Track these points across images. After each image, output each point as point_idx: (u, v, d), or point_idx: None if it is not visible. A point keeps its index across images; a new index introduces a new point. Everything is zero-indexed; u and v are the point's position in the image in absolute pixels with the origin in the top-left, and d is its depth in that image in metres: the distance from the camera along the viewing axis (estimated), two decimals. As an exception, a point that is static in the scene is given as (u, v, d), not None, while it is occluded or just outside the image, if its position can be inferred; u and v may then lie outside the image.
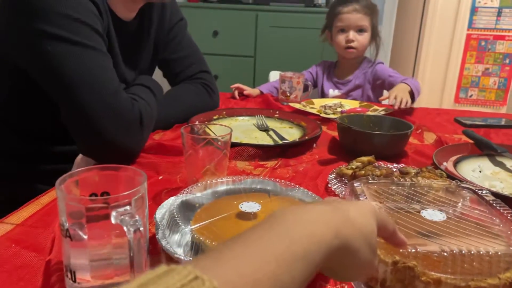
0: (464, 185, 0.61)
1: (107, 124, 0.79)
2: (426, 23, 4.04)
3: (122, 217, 0.38)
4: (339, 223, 0.34)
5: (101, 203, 0.40)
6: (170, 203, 0.59)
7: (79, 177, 0.48)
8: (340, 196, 0.73)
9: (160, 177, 0.79)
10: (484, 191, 0.59)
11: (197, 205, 0.58)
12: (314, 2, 2.44)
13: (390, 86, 1.48)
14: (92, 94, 0.77)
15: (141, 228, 0.39)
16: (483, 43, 4.19)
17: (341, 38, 1.56)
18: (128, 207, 0.40)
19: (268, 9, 2.43)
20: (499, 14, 4.12)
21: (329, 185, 0.78)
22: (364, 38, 1.56)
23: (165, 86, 1.15)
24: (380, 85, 1.58)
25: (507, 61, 4.21)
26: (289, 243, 0.30)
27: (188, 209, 0.58)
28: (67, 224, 0.42)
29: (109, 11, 0.90)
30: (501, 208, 0.54)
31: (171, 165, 0.85)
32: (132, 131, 0.84)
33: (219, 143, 0.71)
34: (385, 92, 1.46)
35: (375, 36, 1.59)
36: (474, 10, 4.11)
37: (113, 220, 0.39)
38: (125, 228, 0.38)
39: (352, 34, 1.54)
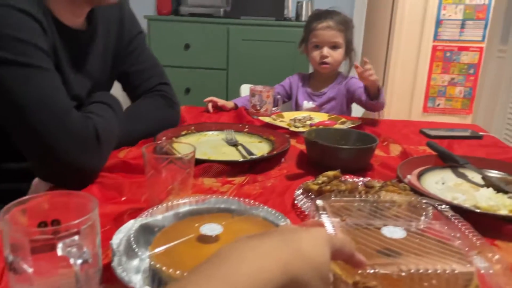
0: (425, 200, 0.62)
1: (61, 144, 0.76)
2: (394, 35, 4.16)
3: (68, 248, 0.37)
4: (288, 258, 0.34)
5: (47, 234, 0.38)
6: (129, 227, 0.57)
7: (26, 205, 0.45)
8: (306, 212, 0.73)
9: (123, 198, 0.77)
10: (443, 206, 0.60)
11: (156, 228, 0.57)
12: (284, 16, 2.47)
13: (358, 97, 1.50)
14: (43, 116, 0.75)
15: (90, 259, 0.37)
16: (448, 54, 4.34)
17: (315, 54, 1.59)
18: (76, 237, 0.38)
19: (239, 22, 2.45)
20: (462, 26, 4.29)
21: (295, 201, 0.77)
22: (338, 54, 1.58)
23: (125, 100, 1.12)
24: (352, 98, 1.60)
25: (472, 71, 4.37)
26: (233, 285, 0.30)
27: (147, 233, 0.57)
28: (11, 257, 0.40)
29: (54, 23, 0.86)
30: (460, 224, 0.55)
31: (135, 185, 0.83)
32: (88, 149, 0.81)
33: (183, 161, 0.69)
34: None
35: (349, 51, 1.61)
36: (439, 23, 4.27)
37: (59, 252, 0.37)
38: (71, 260, 0.36)
39: (326, 51, 1.56)
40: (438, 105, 4.59)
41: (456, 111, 4.54)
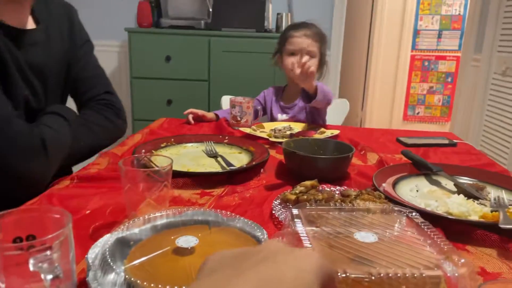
0: (396, 208, 0.64)
1: (4, 152, 0.77)
2: (373, 46, 4.25)
3: (40, 264, 0.37)
4: None
5: (18, 249, 0.38)
6: (105, 241, 0.57)
7: (1, 220, 0.45)
8: (283, 222, 0.74)
9: (88, 212, 0.76)
10: (414, 214, 0.62)
11: (132, 242, 0.57)
12: (264, 28, 2.50)
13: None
14: None
15: (61, 275, 0.37)
16: (426, 63, 4.46)
17: (290, 61, 1.60)
18: (48, 252, 0.38)
19: (220, 34, 2.47)
20: (439, 36, 4.42)
21: (273, 211, 0.78)
22: (312, 63, 1.60)
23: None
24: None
25: (449, 79, 4.51)
26: None
27: (123, 247, 0.57)
28: (-18, 274, 0.39)
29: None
30: (429, 230, 0.57)
31: (102, 197, 0.83)
32: (33, 158, 0.82)
33: (160, 174, 0.70)
34: None
35: (322, 64, 1.64)
36: (416, 33, 4.39)
37: (31, 267, 0.37)
38: (42, 276, 0.36)
39: (303, 57, 1.58)
40: (418, 113, 4.70)
41: (435, 119, 4.66)
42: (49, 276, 0.36)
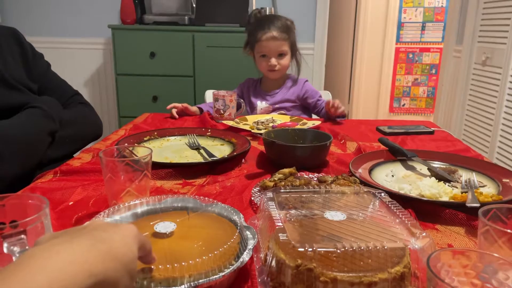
0: (366, 189, 0.67)
1: None
2: (358, 39, 4.30)
3: (12, 247, 0.39)
4: (96, 260, 0.35)
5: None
6: (86, 228, 0.59)
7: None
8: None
9: (71, 203, 0.78)
10: (382, 194, 0.65)
11: (112, 228, 0.59)
12: (247, 21, 2.52)
13: (316, 107, 1.68)
14: None
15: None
16: (410, 56, 4.52)
17: (263, 64, 1.63)
18: (22, 236, 0.40)
19: (204, 29, 2.48)
20: (423, 28, 4.48)
21: (252, 198, 0.81)
22: (286, 60, 1.63)
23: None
24: (308, 103, 1.70)
25: (434, 71, 4.57)
26: None
27: (104, 233, 0.59)
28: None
29: None
30: (396, 209, 0.60)
31: (85, 189, 0.85)
32: None
33: (139, 164, 0.71)
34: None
35: (295, 53, 1.67)
36: (400, 25, 4.44)
37: (4, 250, 0.39)
38: (13, 258, 0.38)
39: (273, 60, 1.61)
40: (404, 105, 4.76)
41: (421, 110, 4.73)
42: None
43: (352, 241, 0.51)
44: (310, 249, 0.47)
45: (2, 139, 0.96)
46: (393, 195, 0.77)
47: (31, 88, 1.15)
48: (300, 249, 0.48)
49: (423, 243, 0.50)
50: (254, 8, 2.67)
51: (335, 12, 3.89)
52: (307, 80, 1.74)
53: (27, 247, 0.39)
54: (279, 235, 0.51)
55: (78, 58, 2.88)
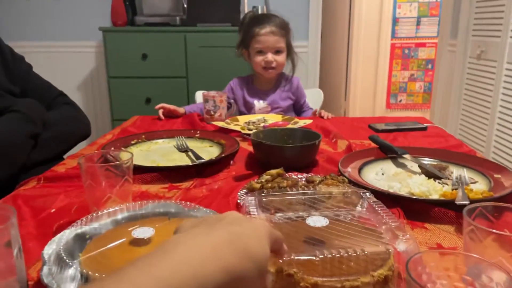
0: (351, 190, 0.65)
1: None
2: (353, 36, 4.28)
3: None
4: (233, 258, 0.36)
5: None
6: (62, 237, 0.57)
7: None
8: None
9: (53, 210, 0.76)
10: (368, 194, 0.63)
11: (88, 236, 0.57)
12: (240, 22, 2.50)
13: (302, 108, 1.74)
14: None
15: None
16: (406, 51, 4.50)
17: (259, 59, 1.61)
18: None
19: (196, 30, 2.46)
20: (418, 23, 4.46)
21: (238, 201, 0.79)
22: (282, 57, 1.62)
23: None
24: (297, 103, 1.73)
25: (430, 66, 4.55)
26: (173, 276, 0.32)
27: (81, 241, 0.57)
28: None
29: None
30: (379, 209, 0.58)
31: (71, 195, 0.83)
32: None
33: (121, 169, 0.70)
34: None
35: (290, 53, 1.65)
36: (395, 21, 4.42)
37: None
38: None
39: (270, 56, 1.59)
40: (400, 101, 4.74)
41: (418, 106, 4.71)
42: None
43: (334, 245, 0.50)
44: (288, 258, 0.46)
45: None
46: (382, 194, 0.75)
47: (12, 91, 1.13)
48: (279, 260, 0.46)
49: (407, 246, 0.49)
50: (246, 7, 2.65)
51: (329, 9, 3.87)
52: (299, 79, 1.73)
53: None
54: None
55: (70, 61, 2.86)
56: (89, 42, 2.82)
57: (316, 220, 0.56)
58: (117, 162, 0.70)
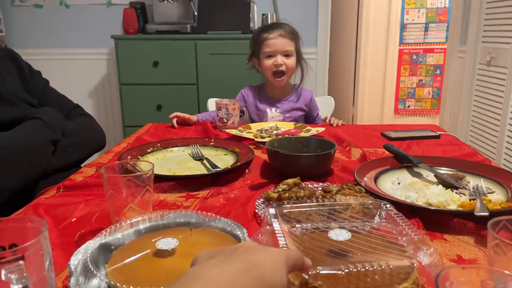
0: (370, 201, 0.65)
1: None
2: (361, 42, 4.28)
3: (9, 274, 0.38)
4: (249, 287, 0.37)
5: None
6: (87, 247, 0.58)
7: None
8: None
9: (74, 219, 0.77)
10: (388, 206, 0.63)
11: (113, 247, 0.58)
12: (250, 29, 2.52)
13: (315, 120, 1.75)
14: None
15: (29, 285, 0.38)
16: (414, 57, 4.49)
17: (269, 63, 1.62)
18: (21, 262, 0.39)
19: (206, 37, 2.48)
20: (426, 29, 4.46)
21: (256, 210, 0.80)
22: (291, 61, 1.63)
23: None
24: (310, 115, 1.76)
25: (438, 72, 4.54)
26: None
27: (106, 252, 0.58)
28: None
29: None
30: (401, 221, 0.58)
31: (91, 204, 0.84)
32: None
33: (141, 179, 0.71)
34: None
35: (300, 60, 1.67)
36: (403, 27, 4.42)
37: (2, 277, 0.38)
38: (11, 286, 0.38)
39: (280, 59, 1.61)
40: (409, 106, 4.73)
41: (426, 112, 4.69)
42: (17, 287, 0.37)
43: (358, 259, 0.50)
44: (314, 271, 0.46)
45: (1, 153, 0.97)
46: (400, 204, 0.75)
47: (31, 102, 1.16)
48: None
49: (431, 260, 0.49)
50: (255, 15, 2.67)
51: (337, 16, 3.88)
52: (312, 93, 1.76)
53: (25, 274, 0.38)
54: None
55: (82, 68, 2.90)
56: (101, 50, 2.86)
57: (339, 234, 0.56)
58: (139, 173, 0.71)
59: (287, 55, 1.62)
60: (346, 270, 0.46)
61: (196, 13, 2.58)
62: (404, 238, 0.56)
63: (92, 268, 0.52)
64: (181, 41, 2.47)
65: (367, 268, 0.46)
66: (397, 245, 0.55)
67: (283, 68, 1.61)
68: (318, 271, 0.46)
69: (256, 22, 2.67)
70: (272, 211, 0.61)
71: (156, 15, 2.63)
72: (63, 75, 2.85)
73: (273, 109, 1.68)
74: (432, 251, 0.50)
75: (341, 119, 1.58)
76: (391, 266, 0.47)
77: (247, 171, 1.03)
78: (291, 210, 0.64)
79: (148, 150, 1.15)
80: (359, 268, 0.46)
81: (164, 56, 2.48)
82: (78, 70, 2.90)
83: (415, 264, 0.48)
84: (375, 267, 0.47)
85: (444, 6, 4.38)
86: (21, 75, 1.19)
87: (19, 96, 1.14)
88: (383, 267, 0.47)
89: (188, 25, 2.55)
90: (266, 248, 0.43)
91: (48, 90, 1.27)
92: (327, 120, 1.57)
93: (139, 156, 1.09)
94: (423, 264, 0.51)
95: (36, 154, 1.05)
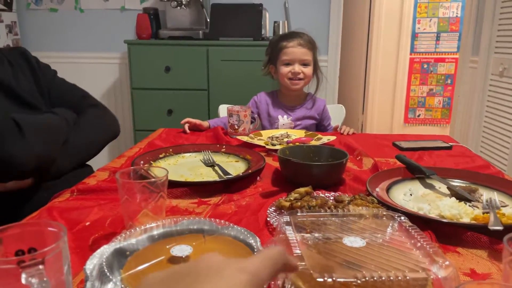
0: (385, 213, 0.65)
1: None
2: (372, 50, 4.28)
3: (30, 278, 0.39)
4: None
5: (11, 263, 0.40)
6: (103, 252, 0.59)
7: (3, 234, 0.47)
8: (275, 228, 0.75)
9: (87, 223, 0.78)
10: (402, 218, 0.63)
11: (128, 252, 0.59)
12: (262, 36, 2.53)
13: (326, 130, 1.73)
14: None
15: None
16: (425, 66, 4.48)
17: (286, 70, 1.64)
18: (41, 266, 0.40)
19: (218, 43, 2.50)
20: (437, 38, 4.44)
21: (268, 219, 0.80)
22: (309, 70, 1.64)
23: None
24: (321, 125, 1.76)
25: (449, 81, 4.52)
26: None
27: (121, 257, 0.58)
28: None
29: None
30: (416, 234, 0.58)
31: (105, 208, 0.85)
32: (9, 138, 0.97)
33: (156, 185, 0.71)
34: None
35: (316, 69, 1.68)
36: (414, 36, 4.41)
37: (23, 281, 0.39)
38: None
39: (298, 67, 1.62)
40: (419, 115, 4.71)
41: (436, 121, 4.67)
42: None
43: (373, 270, 0.50)
44: (330, 279, 0.46)
45: (27, 123, 1.03)
46: (412, 216, 0.75)
47: (45, 103, 1.21)
48: (319, 279, 0.47)
49: (447, 273, 0.49)
50: (267, 22, 2.69)
51: (348, 24, 3.89)
52: (325, 102, 1.77)
53: (45, 279, 0.39)
54: (297, 264, 0.50)
55: (94, 72, 2.93)
56: (114, 54, 2.89)
57: (353, 241, 0.57)
58: (153, 179, 0.71)
59: (304, 64, 1.63)
60: (364, 279, 0.46)
61: (208, 19, 2.60)
62: (418, 250, 0.56)
63: (108, 273, 0.53)
64: (193, 47, 2.49)
65: (383, 278, 0.46)
66: (412, 258, 0.55)
67: (300, 76, 1.63)
68: (335, 279, 0.46)
69: (267, 30, 2.69)
70: (285, 219, 0.62)
71: (169, 20, 2.65)
72: (76, 78, 2.86)
73: (285, 116, 1.69)
74: (448, 264, 0.50)
75: (351, 127, 1.58)
76: (407, 277, 0.47)
77: (258, 178, 1.04)
78: (304, 218, 0.64)
79: (160, 156, 1.16)
80: (375, 278, 0.46)
81: (176, 61, 2.51)
82: (90, 73, 2.94)
83: (432, 276, 0.48)
84: (392, 278, 0.46)
85: (456, 16, 4.37)
86: (31, 70, 1.23)
87: (34, 97, 1.18)
88: (399, 277, 0.47)
89: (200, 31, 2.57)
90: (226, 274, 0.33)
91: (56, 81, 1.30)
92: (338, 129, 1.57)
93: (151, 162, 1.10)
94: (439, 277, 0.51)
95: (55, 131, 1.12)
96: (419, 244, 0.58)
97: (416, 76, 4.47)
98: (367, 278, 0.47)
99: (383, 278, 0.47)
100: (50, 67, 1.32)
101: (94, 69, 2.93)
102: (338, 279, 0.47)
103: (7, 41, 2.77)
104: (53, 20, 2.90)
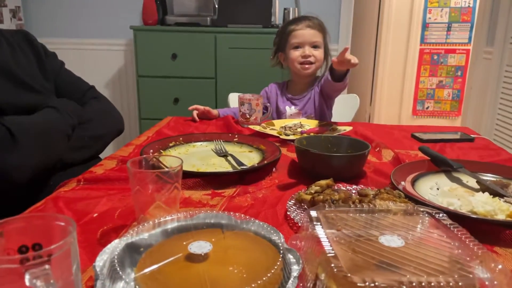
0: (422, 209, 0.60)
1: None
2: (381, 40, 4.19)
3: (34, 280, 0.34)
4: None
5: (14, 263, 0.35)
6: (113, 247, 0.54)
7: (4, 228, 0.42)
8: (299, 223, 0.70)
9: (95, 215, 0.73)
10: (441, 215, 0.58)
11: (142, 248, 0.54)
12: (271, 23, 2.46)
13: (324, 81, 1.50)
14: None
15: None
16: (435, 57, 4.38)
17: (296, 54, 1.55)
18: (47, 266, 0.35)
19: (227, 30, 2.43)
20: (448, 29, 4.34)
21: (288, 213, 0.75)
22: (320, 53, 1.56)
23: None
24: (322, 90, 1.59)
25: (459, 73, 4.43)
26: None
27: (133, 253, 0.54)
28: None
29: None
30: (458, 232, 0.53)
31: (114, 199, 0.80)
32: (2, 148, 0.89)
33: (169, 175, 0.66)
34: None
35: (327, 55, 1.60)
36: (425, 26, 4.31)
37: (27, 282, 0.34)
38: None
39: (308, 50, 1.54)
40: (427, 107, 4.63)
41: (445, 113, 4.58)
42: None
43: (413, 272, 0.45)
44: (372, 284, 0.41)
45: (21, 129, 0.95)
46: (443, 212, 0.70)
47: (47, 88, 1.15)
48: (359, 284, 0.41)
49: (501, 279, 0.44)
50: (277, 9, 2.62)
51: (358, 12, 3.80)
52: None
53: (52, 281, 0.34)
54: (332, 265, 0.44)
55: (99, 59, 2.87)
56: (119, 40, 2.83)
57: (390, 240, 0.51)
58: (167, 169, 0.66)
59: (315, 46, 1.55)
60: (410, 284, 0.41)
61: (216, 6, 2.53)
62: (460, 251, 0.51)
63: (120, 272, 0.48)
64: (201, 34, 2.43)
65: (432, 283, 0.41)
66: (454, 258, 0.50)
67: (311, 59, 1.54)
68: (377, 284, 0.41)
69: (277, 16, 2.62)
70: (313, 213, 0.56)
71: (176, 6, 2.58)
72: (81, 65, 2.82)
73: (292, 106, 1.63)
74: (502, 267, 0.44)
75: (358, 118, 1.50)
76: (460, 283, 0.42)
77: (274, 169, 0.98)
78: (332, 214, 0.59)
79: (170, 144, 1.11)
80: (423, 283, 0.41)
81: (183, 48, 2.44)
82: (95, 60, 2.88)
83: (486, 282, 0.43)
84: (442, 283, 0.41)
85: (468, 6, 4.26)
86: (37, 57, 1.17)
87: (37, 81, 1.13)
88: (451, 283, 0.41)
89: (208, 18, 2.50)
90: None
91: (63, 72, 1.26)
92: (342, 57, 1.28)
93: (161, 150, 1.05)
94: (487, 282, 0.46)
95: (54, 135, 1.05)
96: (460, 243, 0.53)
97: (426, 68, 4.38)
98: (414, 284, 0.41)
99: (433, 284, 0.42)
100: (57, 56, 1.27)
101: (99, 55, 2.87)
102: (382, 284, 0.41)
103: (11, 26, 2.71)
104: (57, 5, 2.83)
